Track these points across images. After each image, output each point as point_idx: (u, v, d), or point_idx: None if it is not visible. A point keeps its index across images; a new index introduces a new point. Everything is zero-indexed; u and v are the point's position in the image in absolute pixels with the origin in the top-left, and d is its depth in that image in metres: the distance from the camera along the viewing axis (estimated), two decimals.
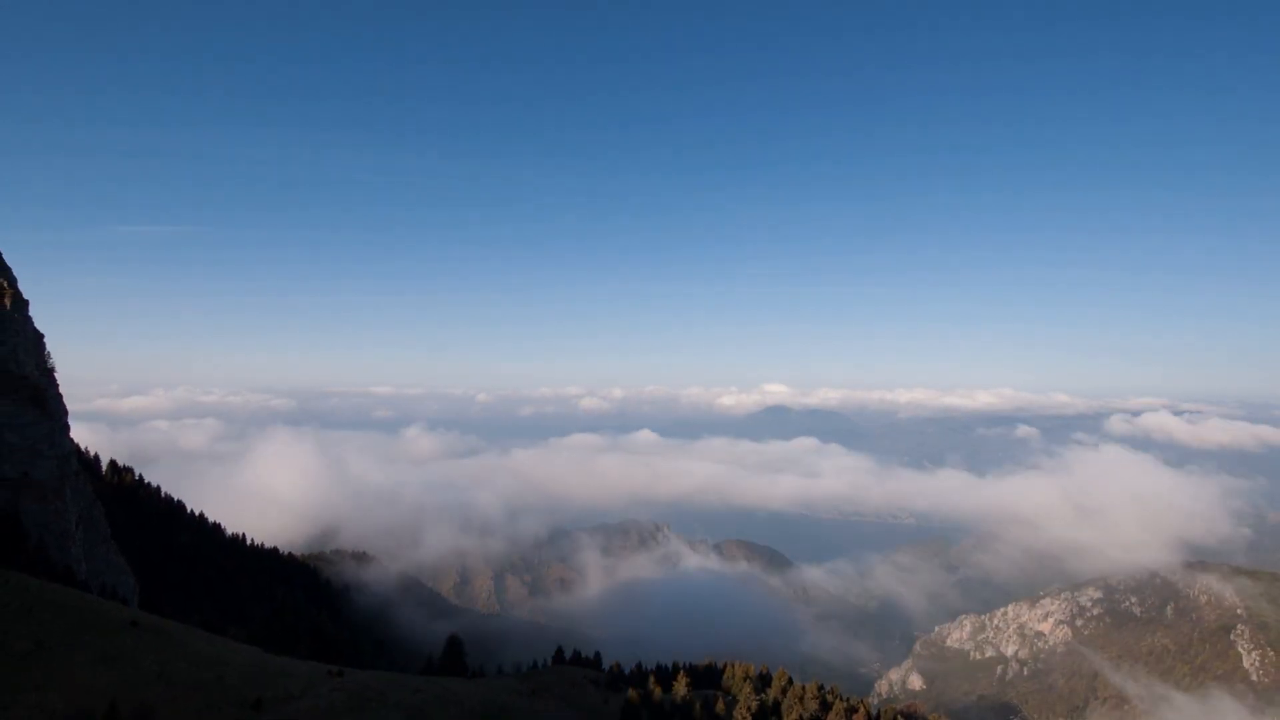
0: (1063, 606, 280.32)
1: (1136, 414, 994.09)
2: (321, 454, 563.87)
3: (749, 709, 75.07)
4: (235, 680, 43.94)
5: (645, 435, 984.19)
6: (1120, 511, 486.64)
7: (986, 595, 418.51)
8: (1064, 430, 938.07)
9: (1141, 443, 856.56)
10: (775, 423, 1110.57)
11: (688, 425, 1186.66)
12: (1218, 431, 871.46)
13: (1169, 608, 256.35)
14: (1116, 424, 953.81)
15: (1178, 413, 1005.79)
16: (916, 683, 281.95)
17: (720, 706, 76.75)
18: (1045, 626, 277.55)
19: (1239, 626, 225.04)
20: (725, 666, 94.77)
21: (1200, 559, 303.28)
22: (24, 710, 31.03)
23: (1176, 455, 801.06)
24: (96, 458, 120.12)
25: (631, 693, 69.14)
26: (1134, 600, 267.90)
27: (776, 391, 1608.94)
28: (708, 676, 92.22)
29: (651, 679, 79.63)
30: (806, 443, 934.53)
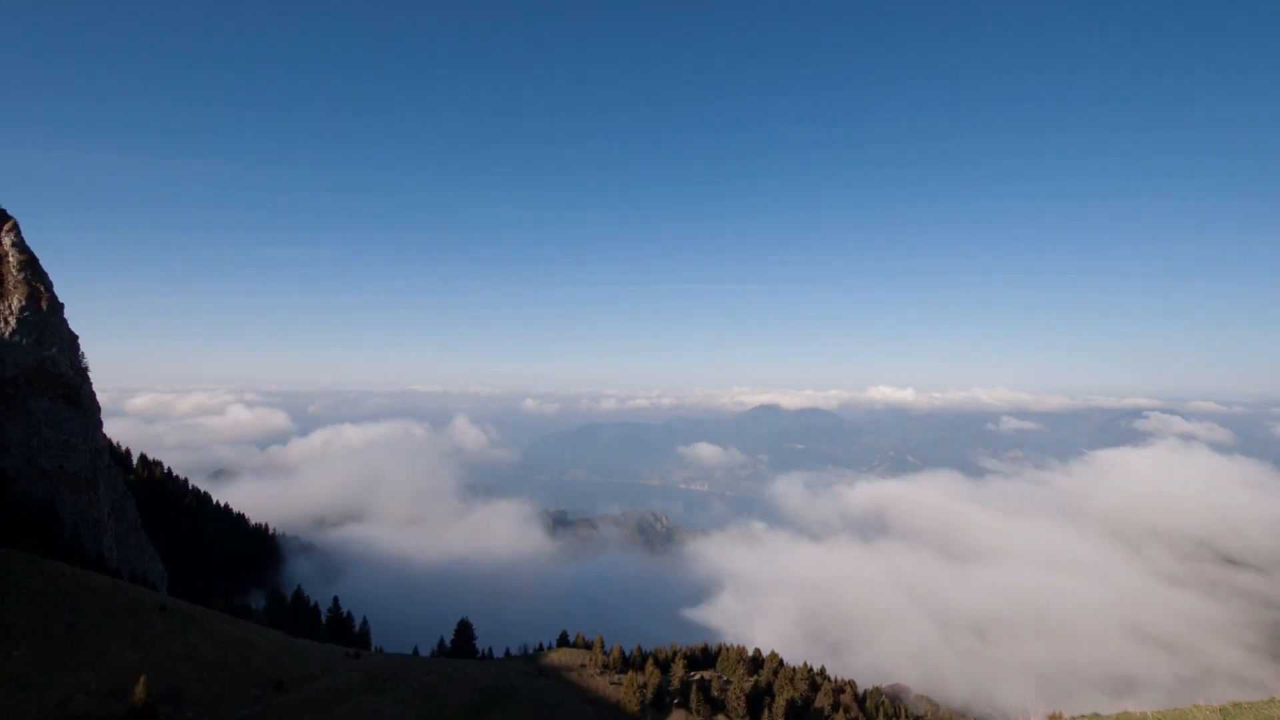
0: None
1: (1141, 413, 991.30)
2: (355, 447, 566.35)
3: (742, 690, 75.06)
4: (259, 661, 44.04)
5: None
6: (1093, 503, 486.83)
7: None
8: (1057, 426, 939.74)
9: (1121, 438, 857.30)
10: (767, 421, 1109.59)
11: (686, 424, 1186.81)
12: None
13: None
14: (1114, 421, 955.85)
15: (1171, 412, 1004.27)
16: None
17: (715, 687, 76.78)
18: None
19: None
20: (719, 650, 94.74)
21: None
22: (60, 689, 31.13)
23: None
24: (128, 451, 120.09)
25: (630, 675, 69.16)
26: None
27: (761, 392, 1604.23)
28: (703, 659, 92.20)
29: (650, 662, 79.63)
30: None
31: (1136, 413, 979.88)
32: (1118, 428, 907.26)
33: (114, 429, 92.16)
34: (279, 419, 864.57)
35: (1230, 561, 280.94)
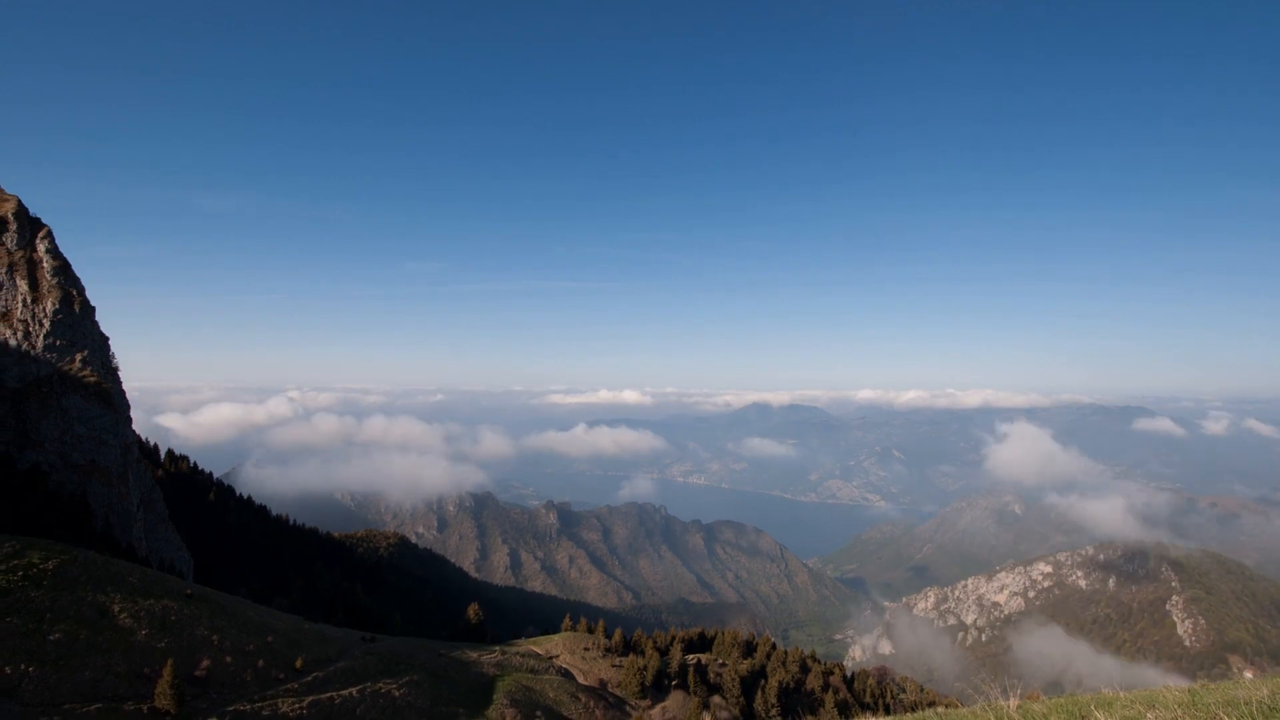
0: (1016, 580, 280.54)
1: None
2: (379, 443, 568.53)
3: (737, 672, 75.02)
4: (279, 645, 44.05)
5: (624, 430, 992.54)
6: (1057, 495, 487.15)
7: (950, 569, 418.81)
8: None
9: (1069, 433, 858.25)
10: (760, 419, 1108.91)
11: (684, 421, 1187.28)
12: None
13: (1111, 581, 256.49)
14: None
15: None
16: (886, 648, 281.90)
17: (712, 670, 76.74)
18: (1001, 598, 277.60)
19: (1173, 598, 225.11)
20: (715, 634, 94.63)
21: (1141, 539, 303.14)
22: (92, 671, 31.12)
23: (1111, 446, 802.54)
24: (156, 447, 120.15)
25: (631, 658, 69.13)
26: (1080, 574, 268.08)
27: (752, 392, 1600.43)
28: (700, 643, 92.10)
29: (649, 646, 79.62)
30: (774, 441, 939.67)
31: (1105, 409, 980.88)
32: (1086, 424, 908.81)
33: (141, 425, 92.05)
34: (333, 420, 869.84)
35: None
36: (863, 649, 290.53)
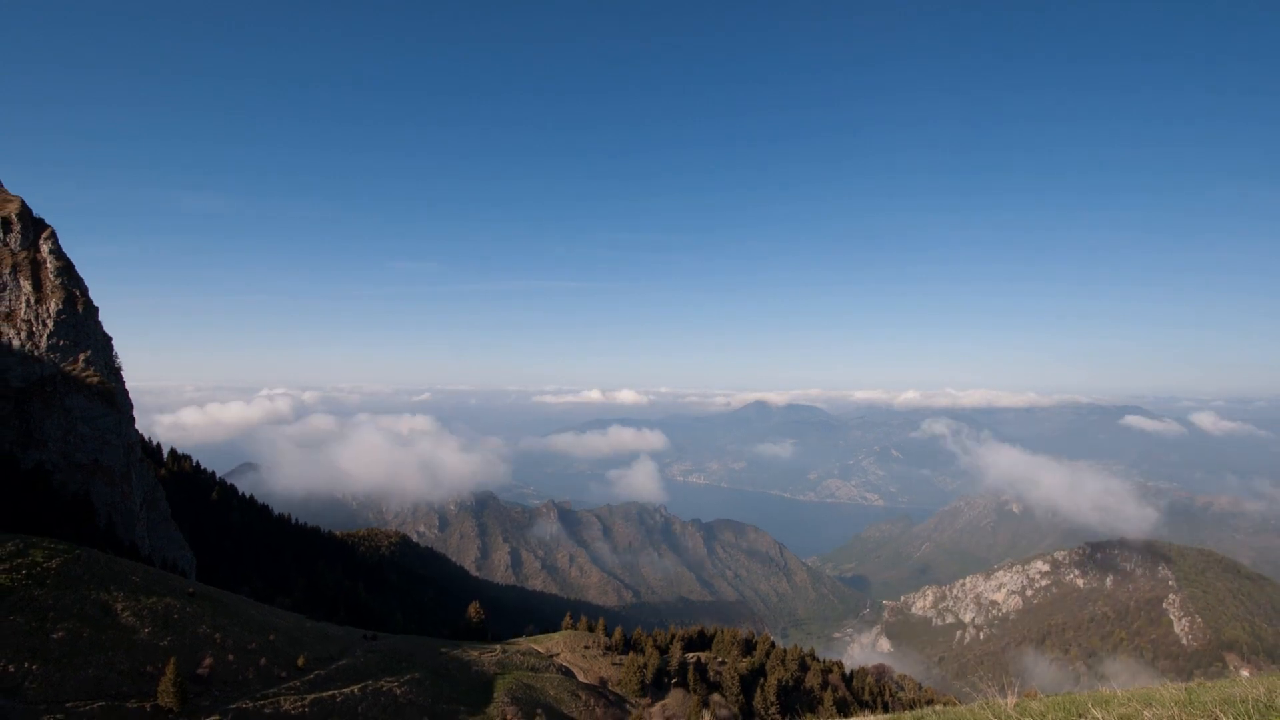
0: (1014, 578, 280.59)
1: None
2: (382, 442, 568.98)
3: (737, 670, 75.06)
4: (281, 643, 44.07)
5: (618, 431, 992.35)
6: (1054, 494, 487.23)
7: (948, 568, 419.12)
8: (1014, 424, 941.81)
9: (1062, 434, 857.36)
10: (759, 418, 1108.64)
11: (678, 420, 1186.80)
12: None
13: (1109, 579, 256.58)
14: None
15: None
16: (885, 645, 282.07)
17: (711, 668, 76.77)
18: (999, 596, 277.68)
19: (1170, 596, 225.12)
20: (715, 632, 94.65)
21: (1136, 538, 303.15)
22: (96, 669, 31.13)
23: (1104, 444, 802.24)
24: (159, 446, 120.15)
25: (631, 656, 69.16)
26: (1077, 573, 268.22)
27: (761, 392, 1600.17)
28: (699, 642, 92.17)
29: (649, 644, 79.63)
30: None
31: (1102, 409, 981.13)
32: (1084, 423, 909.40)
33: (140, 425, 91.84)
34: (329, 419, 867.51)
35: None
36: (861, 647, 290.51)
